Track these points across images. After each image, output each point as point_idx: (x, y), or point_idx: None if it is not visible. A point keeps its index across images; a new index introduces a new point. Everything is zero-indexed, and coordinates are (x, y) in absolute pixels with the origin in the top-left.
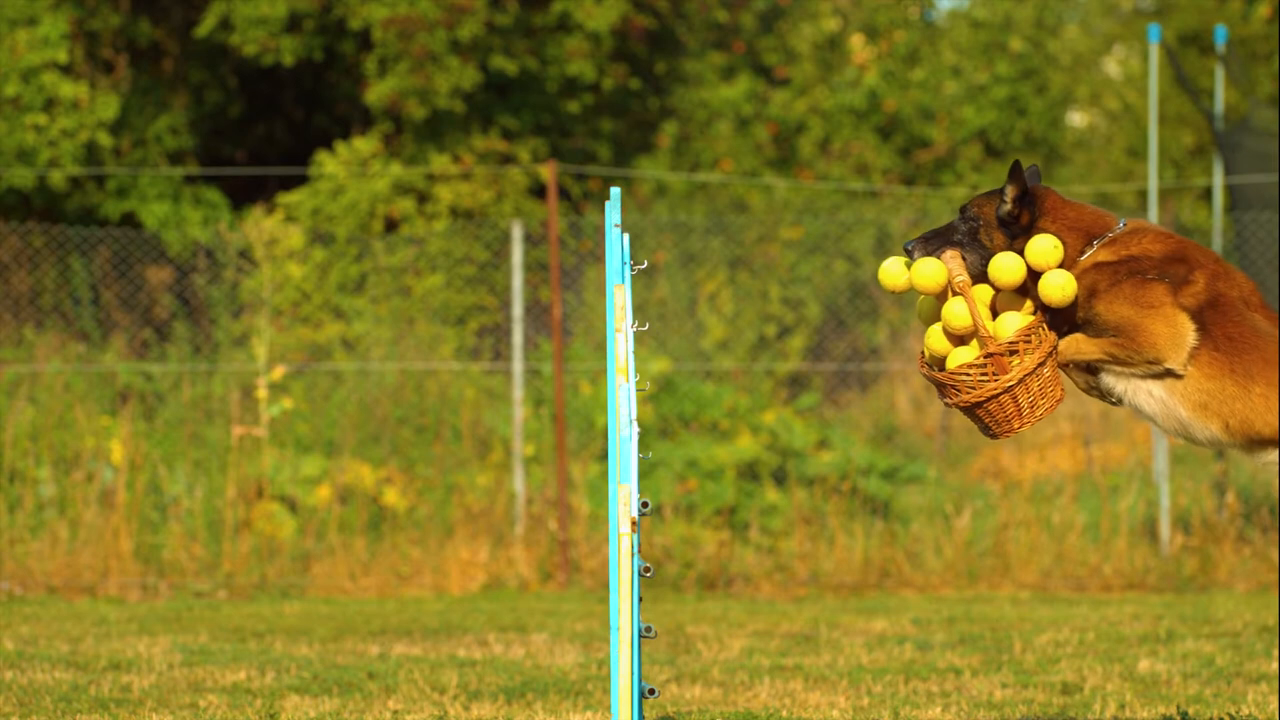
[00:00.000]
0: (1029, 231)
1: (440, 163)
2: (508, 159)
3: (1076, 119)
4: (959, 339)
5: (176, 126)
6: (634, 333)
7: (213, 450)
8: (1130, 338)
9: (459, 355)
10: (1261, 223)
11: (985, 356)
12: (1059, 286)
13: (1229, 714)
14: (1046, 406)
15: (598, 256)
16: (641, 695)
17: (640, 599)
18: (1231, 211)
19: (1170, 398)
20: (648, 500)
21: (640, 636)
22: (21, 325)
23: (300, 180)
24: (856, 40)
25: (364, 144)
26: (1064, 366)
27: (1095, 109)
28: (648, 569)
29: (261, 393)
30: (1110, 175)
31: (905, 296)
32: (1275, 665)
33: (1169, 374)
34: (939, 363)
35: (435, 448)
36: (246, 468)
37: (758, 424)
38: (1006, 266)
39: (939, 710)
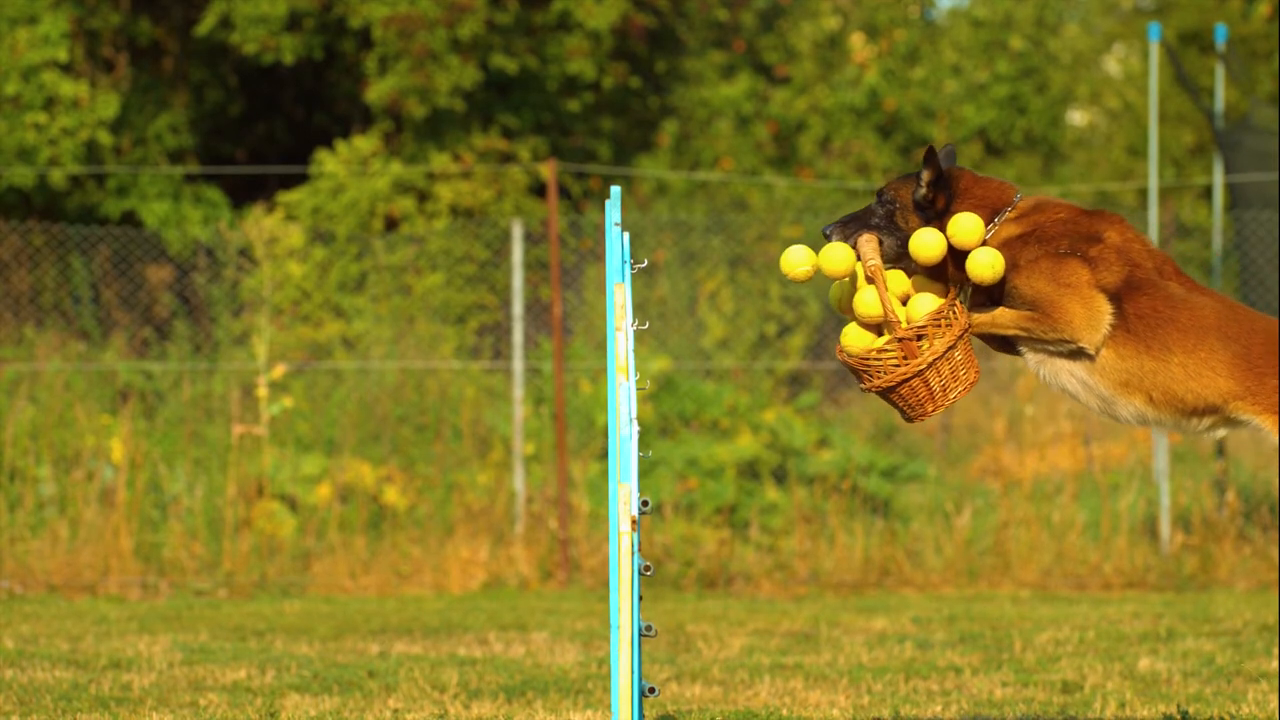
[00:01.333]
0: (944, 214)
1: (440, 161)
2: (508, 158)
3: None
4: (872, 329)
5: (177, 125)
6: (634, 331)
7: (213, 449)
8: (1047, 314)
9: (459, 354)
10: (1262, 221)
11: (895, 341)
12: (988, 265)
13: (1229, 713)
14: (959, 390)
15: (598, 255)
16: (642, 694)
17: (640, 598)
18: (1232, 210)
19: (1090, 377)
20: (648, 499)
21: (640, 635)
22: (22, 324)
23: (300, 179)
24: (857, 39)
25: (364, 143)
26: (982, 338)
27: (1095, 107)
28: (648, 568)
29: (262, 391)
30: (1110, 174)
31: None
32: (1275, 664)
33: (1082, 353)
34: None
35: (435, 446)
36: (247, 466)
37: (758, 423)
38: (926, 243)
39: (939, 709)
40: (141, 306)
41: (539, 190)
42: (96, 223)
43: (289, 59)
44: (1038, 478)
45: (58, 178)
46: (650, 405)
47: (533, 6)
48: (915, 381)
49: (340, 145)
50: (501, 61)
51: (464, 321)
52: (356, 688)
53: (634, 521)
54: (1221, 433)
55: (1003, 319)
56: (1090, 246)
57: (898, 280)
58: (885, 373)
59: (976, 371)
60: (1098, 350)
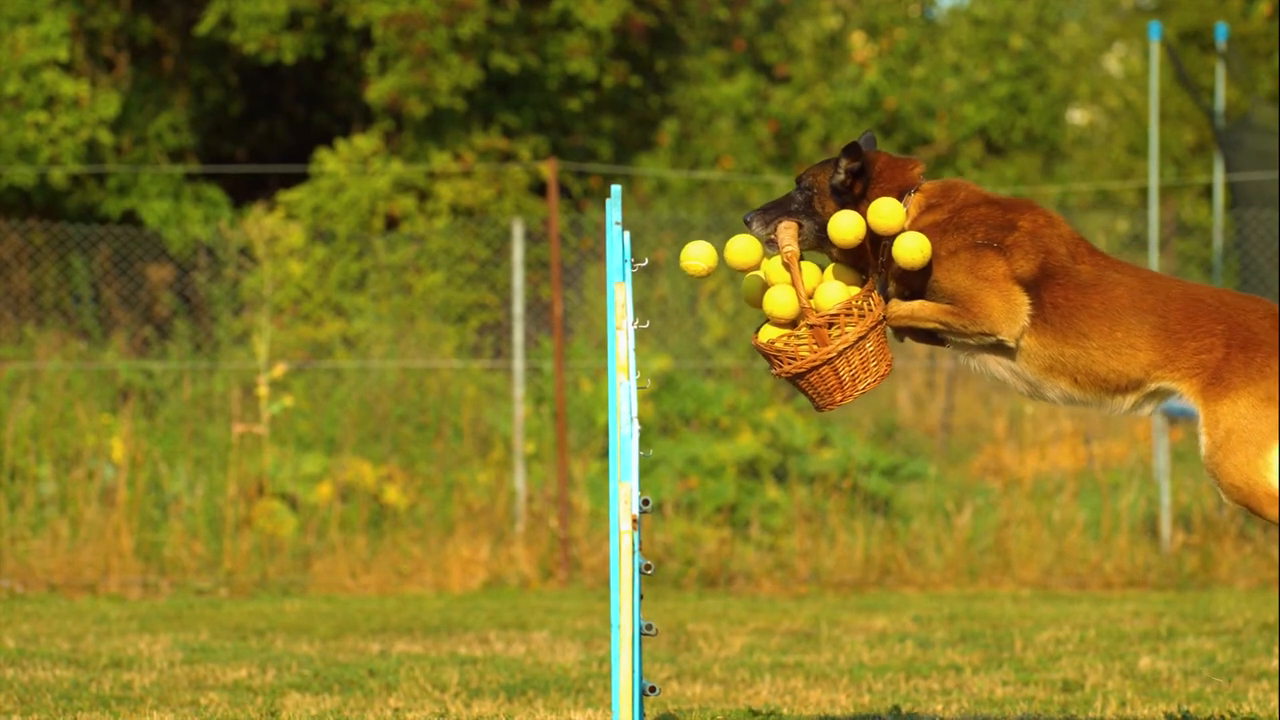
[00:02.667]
0: (861, 199)
1: (441, 160)
2: (508, 157)
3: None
4: (784, 328)
5: (177, 124)
6: (635, 330)
7: (213, 448)
8: (966, 308)
9: (460, 353)
10: (1262, 220)
11: (806, 328)
12: (915, 249)
13: (1230, 711)
14: (869, 381)
15: (598, 254)
16: (642, 693)
17: (641, 597)
18: (1232, 209)
19: (1016, 364)
20: (648, 498)
21: (641, 634)
22: (22, 323)
23: (301, 178)
24: (857, 38)
25: (365, 142)
26: (902, 331)
27: (1096, 106)
28: (648, 567)
29: (262, 390)
30: (1111, 173)
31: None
32: (1276, 663)
33: (1001, 345)
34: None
35: (436, 445)
36: (247, 465)
37: (758, 422)
38: (843, 225)
39: (940, 708)
40: (142, 306)
41: (539, 189)
42: (97, 222)
43: (289, 58)
44: (1038, 476)
45: (58, 177)
46: (651, 404)
47: (533, 5)
48: (825, 369)
49: (341, 144)
50: (502, 60)
51: (464, 320)
52: (357, 687)
53: (634, 520)
54: (1148, 409)
55: (922, 312)
56: (1006, 235)
57: (810, 274)
58: (795, 359)
59: (889, 364)
60: (1017, 342)
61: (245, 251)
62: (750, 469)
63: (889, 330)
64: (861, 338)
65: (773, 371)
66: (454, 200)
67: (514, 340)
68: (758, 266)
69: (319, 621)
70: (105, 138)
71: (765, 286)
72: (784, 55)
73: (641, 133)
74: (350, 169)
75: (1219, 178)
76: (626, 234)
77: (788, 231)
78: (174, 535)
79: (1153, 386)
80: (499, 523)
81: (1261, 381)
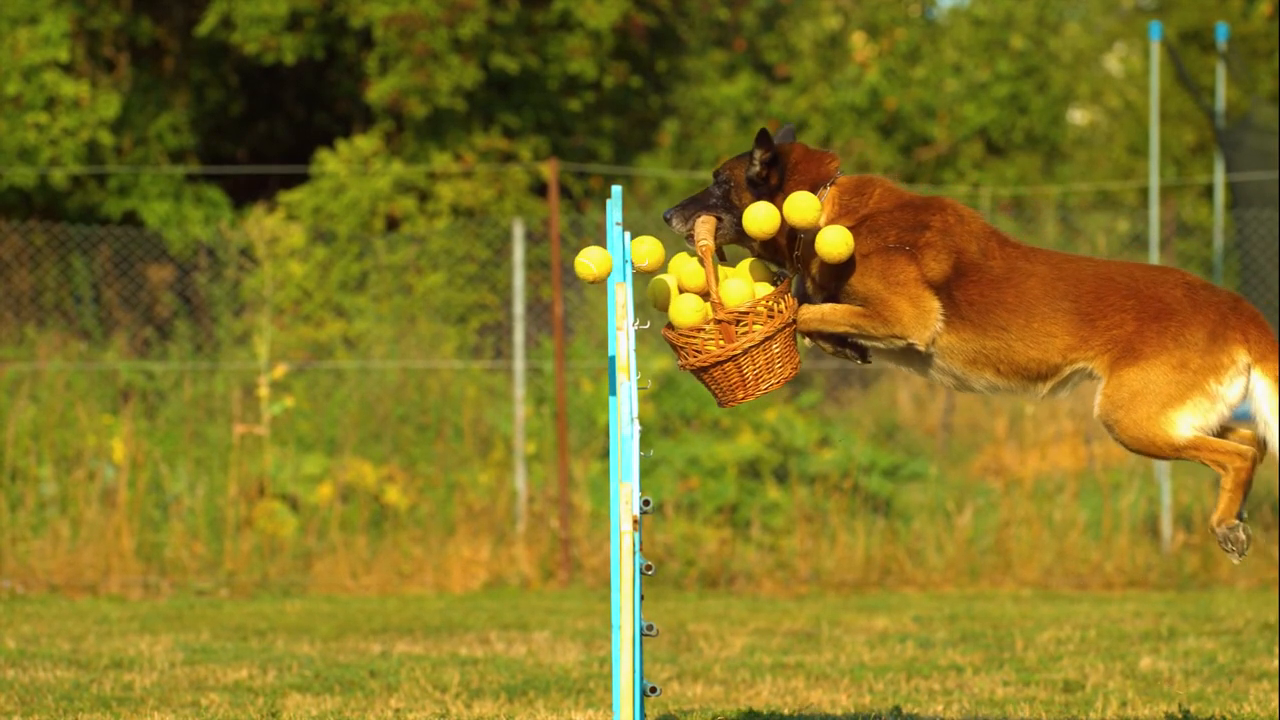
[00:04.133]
0: (778, 192)
1: (441, 161)
2: (509, 157)
3: (1078, 116)
4: (687, 333)
5: (178, 125)
6: (635, 330)
7: (214, 449)
8: (879, 311)
9: (460, 353)
10: (1263, 220)
11: (714, 323)
12: (838, 242)
13: (1230, 712)
14: (773, 381)
15: None
16: (643, 693)
17: (642, 597)
18: (1233, 209)
19: (941, 360)
20: (649, 498)
21: (642, 634)
22: (23, 324)
23: (301, 179)
24: (858, 38)
25: (365, 142)
26: (814, 336)
27: (1096, 106)
28: (649, 567)
29: (263, 391)
30: (1111, 173)
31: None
32: (1276, 663)
33: (912, 348)
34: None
35: (437, 446)
36: (248, 466)
37: (759, 422)
38: (757, 217)
39: (941, 708)
40: (143, 306)
41: (540, 190)
42: (98, 222)
43: (290, 59)
44: (1039, 477)
45: (59, 178)
46: (651, 404)
47: (534, 6)
48: (729, 366)
49: (341, 145)
50: (502, 61)
51: (465, 321)
52: (358, 687)
53: (635, 521)
54: (1066, 392)
55: (833, 316)
56: (918, 237)
57: (723, 272)
58: (700, 353)
59: (795, 367)
60: (929, 346)
61: (246, 252)
62: (751, 469)
63: (800, 335)
64: (768, 338)
65: (678, 363)
66: (454, 201)
67: (514, 341)
68: (663, 268)
69: (320, 622)
70: (106, 138)
71: (675, 289)
72: (784, 55)
73: (642, 133)
74: (351, 169)
75: (1219, 178)
76: (627, 234)
77: (704, 226)
78: (175, 536)
79: (1070, 369)
80: (500, 523)
81: (1175, 350)
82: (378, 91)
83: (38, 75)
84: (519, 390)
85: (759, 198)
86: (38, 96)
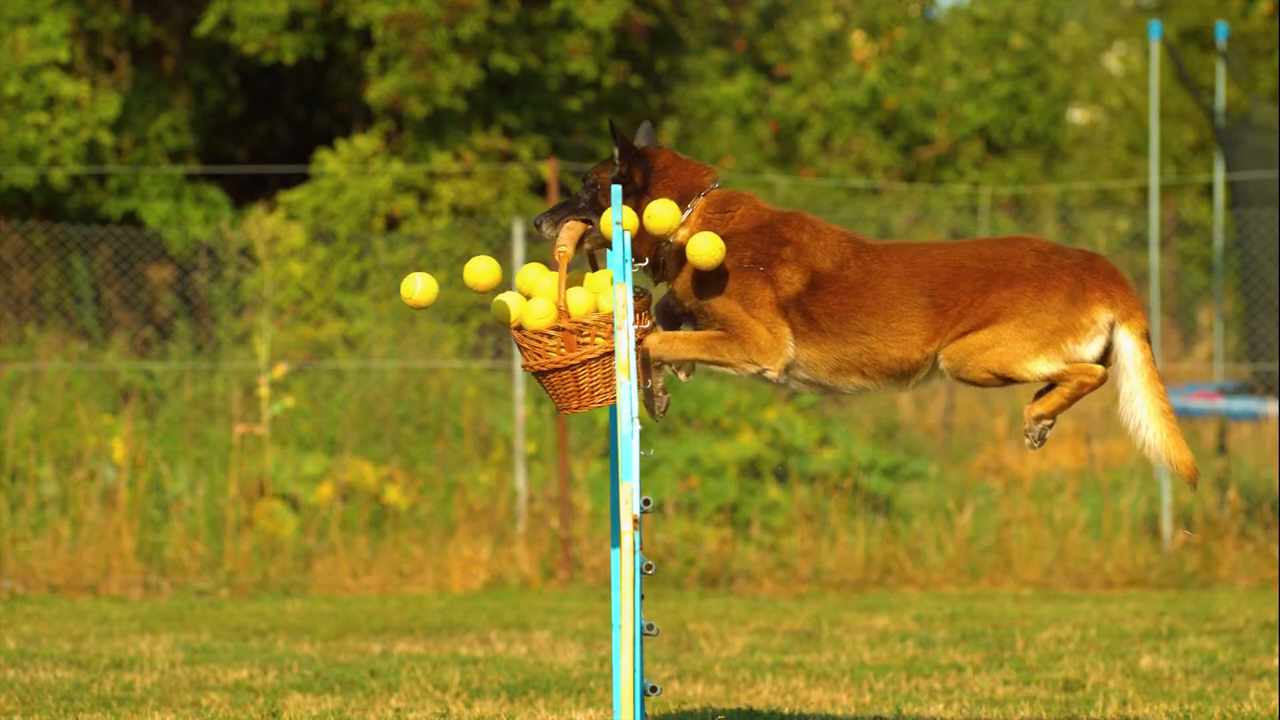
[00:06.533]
0: (643, 193)
1: (441, 160)
2: (509, 157)
3: (1078, 115)
4: (534, 337)
5: (178, 125)
6: (635, 330)
7: (214, 449)
8: (735, 334)
9: (460, 353)
10: (1263, 219)
11: (556, 330)
12: (707, 250)
13: (1231, 710)
14: (609, 396)
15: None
16: (643, 693)
17: (642, 597)
18: (1233, 208)
19: (806, 372)
20: (649, 498)
21: (642, 634)
22: (23, 324)
23: (301, 178)
24: (857, 37)
25: (365, 142)
26: (662, 365)
27: (1096, 105)
28: (650, 566)
29: (263, 391)
30: (1111, 172)
31: None
32: (1277, 662)
33: (764, 374)
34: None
35: (437, 446)
36: (248, 466)
37: (759, 421)
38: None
39: (941, 707)
40: (143, 306)
41: (540, 189)
42: (98, 222)
43: (290, 58)
44: (1039, 476)
45: (59, 178)
46: None
47: (533, 6)
48: (566, 374)
49: (341, 145)
50: (502, 61)
51: (465, 321)
52: (358, 687)
53: (636, 520)
54: (936, 380)
55: (682, 348)
56: (775, 255)
57: (588, 282)
58: (541, 356)
59: (640, 387)
60: (781, 371)
61: (246, 252)
62: (751, 468)
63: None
64: (608, 353)
65: (521, 363)
66: (454, 200)
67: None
68: (497, 286)
69: (320, 622)
70: (106, 138)
71: (521, 298)
72: (784, 55)
73: None
74: (351, 169)
75: (1219, 176)
76: (627, 234)
77: (568, 232)
78: (175, 536)
79: (929, 363)
80: (500, 523)
81: (1032, 314)
82: (378, 91)
83: (38, 75)
84: (519, 390)
85: (625, 197)
86: (38, 96)
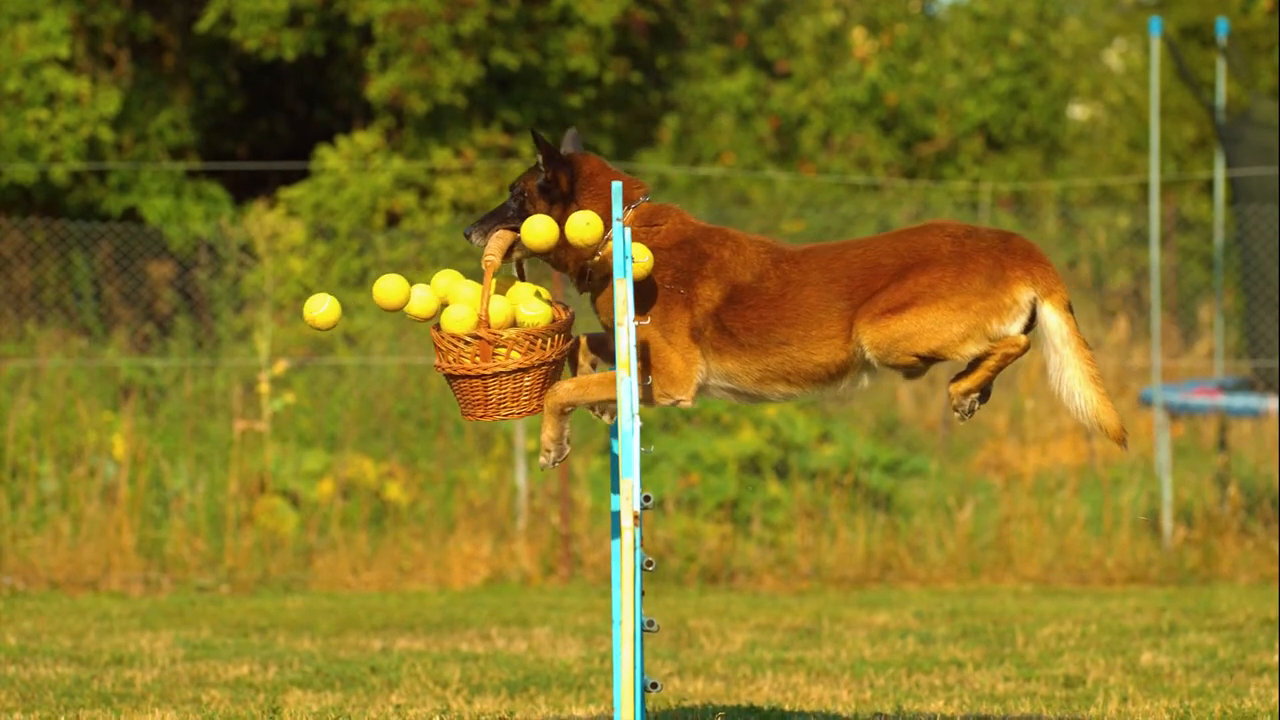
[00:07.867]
0: (570, 200)
1: (442, 157)
2: (509, 153)
3: (1078, 112)
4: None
5: (178, 121)
6: (636, 326)
7: (215, 445)
8: (650, 367)
9: None
10: (1263, 215)
11: (473, 337)
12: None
13: (1231, 707)
14: (515, 411)
15: None
16: (644, 689)
17: (642, 593)
18: (1233, 205)
19: (730, 383)
20: (650, 494)
21: (642, 630)
22: (23, 320)
23: (302, 175)
24: (858, 34)
25: (365, 138)
26: (572, 410)
27: (1097, 102)
28: (650, 563)
29: (263, 387)
30: (1112, 168)
31: None
32: (1277, 658)
33: (678, 404)
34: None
35: (437, 442)
36: (249, 462)
37: (759, 418)
38: (534, 229)
39: (941, 704)
40: (143, 303)
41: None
42: (98, 219)
43: (290, 55)
44: (1039, 472)
45: (59, 174)
46: None
47: (534, 2)
48: (475, 382)
49: (342, 141)
50: (503, 57)
51: None
52: (359, 683)
53: (636, 517)
54: (866, 380)
55: (594, 391)
56: (695, 273)
57: (522, 292)
58: (453, 361)
59: (538, 406)
60: (694, 398)
61: (246, 248)
62: (751, 465)
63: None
64: (521, 369)
65: (435, 363)
66: (455, 197)
67: None
68: (403, 304)
69: (320, 618)
70: (106, 135)
71: (437, 303)
72: (785, 51)
73: (642, 129)
74: (351, 166)
75: (1220, 173)
76: (628, 231)
77: (496, 241)
78: (175, 532)
79: (856, 358)
80: (500, 519)
81: (952, 296)
82: (378, 87)
83: (38, 71)
84: None
85: (552, 204)
86: (38, 93)
